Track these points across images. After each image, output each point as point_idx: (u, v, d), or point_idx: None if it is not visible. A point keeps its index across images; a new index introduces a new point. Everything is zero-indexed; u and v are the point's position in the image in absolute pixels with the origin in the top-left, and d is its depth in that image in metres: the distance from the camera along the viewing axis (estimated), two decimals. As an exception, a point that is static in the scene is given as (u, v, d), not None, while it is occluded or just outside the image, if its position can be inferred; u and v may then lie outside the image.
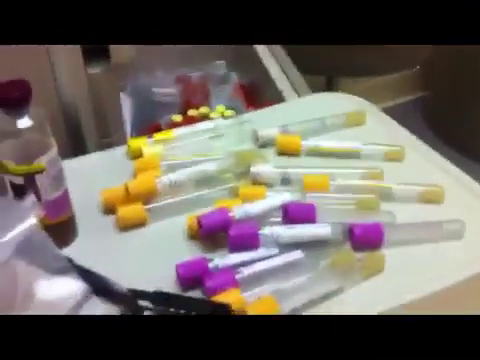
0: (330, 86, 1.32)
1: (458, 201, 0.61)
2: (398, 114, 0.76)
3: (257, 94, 1.12)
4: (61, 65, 0.72)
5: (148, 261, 0.57)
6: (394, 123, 0.74)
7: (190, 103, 1.10)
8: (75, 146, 0.80)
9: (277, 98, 0.94)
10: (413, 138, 0.71)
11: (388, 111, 0.77)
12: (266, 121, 0.74)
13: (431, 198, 0.61)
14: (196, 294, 0.52)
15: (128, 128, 1.03)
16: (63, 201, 0.58)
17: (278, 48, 1.08)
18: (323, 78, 1.35)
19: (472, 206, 0.61)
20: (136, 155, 0.69)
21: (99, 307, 0.48)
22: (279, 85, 0.99)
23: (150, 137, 0.71)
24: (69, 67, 0.73)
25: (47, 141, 0.54)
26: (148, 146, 0.69)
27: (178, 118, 1.02)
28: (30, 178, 0.54)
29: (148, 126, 1.01)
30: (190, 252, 0.57)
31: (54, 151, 0.55)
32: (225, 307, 0.46)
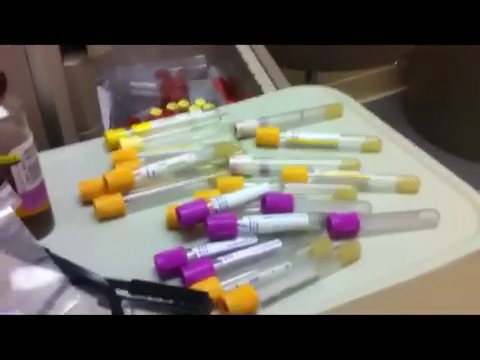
0: (309, 81, 1.33)
1: (433, 191, 0.62)
2: (377, 109, 0.77)
3: (236, 88, 1.12)
4: (37, 57, 0.72)
5: (127, 252, 0.57)
6: (371, 115, 0.75)
7: (169, 97, 1.10)
8: (52, 140, 0.79)
9: (256, 92, 0.94)
10: (390, 129, 0.72)
11: (367, 106, 0.77)
12: (245, 113, 0.74)
13: (407, 188, 0.62)
14: (175, 284, 0.52)
15: (107, 122, 1.02)
16: (39, 192, 0.57)
17: (258, 42, 1.08)
18: (302, 73, 1.36)
19: (447, 196, 0.62)
20: (114, 147, 0.69)
21: (76, 297, 0.48)
22: (258, 79, 0.99)
23: (128, 129, 0.71)
24: (45, 59, 0.72)
25: (23, 131, 0.54)
26: (126, 138, 0.69)
27: (157, 112, 1.02)
28: (5, 169, 0.53)
29: (127, 120, 1.00)
30: (169, 243, 0.57)
31: (30, 141, 0.54)
32: (202, 295, 0.46)
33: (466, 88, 1.62)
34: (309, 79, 1.33)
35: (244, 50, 1.07)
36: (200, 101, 1.05)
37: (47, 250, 0.50)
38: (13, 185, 0.54)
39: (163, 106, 1.06)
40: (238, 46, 1.07)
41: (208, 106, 1.00)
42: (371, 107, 0.77)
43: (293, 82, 0.96)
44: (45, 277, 0.49)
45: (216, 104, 1.01)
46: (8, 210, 0.49)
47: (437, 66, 1.69)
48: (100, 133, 0.78)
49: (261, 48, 1.08)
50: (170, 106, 1.05)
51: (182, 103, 1.06)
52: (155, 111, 1.02)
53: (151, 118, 0.96)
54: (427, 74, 1.75)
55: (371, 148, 0.68)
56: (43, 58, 0.73)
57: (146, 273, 0.53)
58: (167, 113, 1.00)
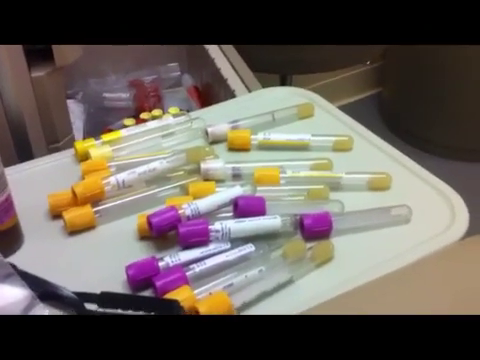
0: (284, 85, 1.33)
1: (405, 187, 0.62)
2: (352, 111, 0.76)
3: (211, 95, 1.12)
4: (3, 67, 0.70)
5: (98, 264, 0.55)
6: (342, 114, 0.75)
7: (143, 107, 1.10)
8: (22, 154, 0.78)
9: (231, 98, 0.94)
10: (361, 127, 0.72)
11: (343, 109, 0.76)
12: (216, 118, 0.74)
13: (379, 185, 0.62)
14: (148, 295, 0.51)
15: (81, 135, 1.01)
16: (6, 207, 0.56)
17: (230, 48, 1.08)
18: (277, 77, 1.36)
19: (419, 191, 0.62)
20: (83, 158, 0.68)
21: (45, 313, 0.46)
22: (231, 84, 0.99)
23: (98, 139, 0.70)
24: (12, 69, 0.71)
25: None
26: (96, 148, 0.68)
27: (130, 122, 1.01)
28: (-31, 183, 0.52)
29: (101, 132, 0.99)
30: (141, 253, 0.56)
31: (-7, 154, 0.53)
32: (173, 303, 0.45)
33: (440, 88, 1.63)
34: (284, 83, 1.33)
35: (217, 56, 1.06)
36: (174, 109, 1.04)
37: (14, 266, 0.49)
38: (-23, 200, 0.52)
39: (137, 116, 1.05)
40: (211, 52, 1.07)
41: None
42: (346, 109, 0.76)
43: (267, 87, 0.96)
44: (12, 294, 0.47)
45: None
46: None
47: (411, 66, 1.70)
48: (71, 145, 0.77)
49: (234, 53, 1.07)
50: (143, 115, 1.04)
51: (156, 112, 1.05)
52: (128, 121, 1.02)
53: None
54: (401, 75, 1.77)
55: (342, 147, 0.68)
56: (9, 68, 0.71)
57: (118, 285, 0.52)
58: (141, 122, 0.99)
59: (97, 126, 1.05)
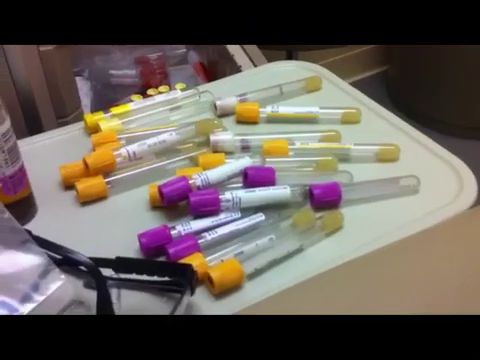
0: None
1: (413, 158, 0.63)
2: (359, 89, 0.76)
3: (217, 72, 1.12)
4: (12, 43, 0.71)
5: (111, 234, 0.56)
6: (349, 87, 0.75)
7: (150, 84, 1.10)
8: (32, 127, 0.79)
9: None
10: (368, 100, 0.72)
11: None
12: (224, 91, 0.74)
13: (387, 156, 0.63)
14: (160, 262, 0.52)
15: (88, 112, 1.02)
16: (20, 177, 0.57)
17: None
18: (283, 54, 1.36)
19: (427, 162, 0.62)
20: (93, 130, 0.68)
21: (61, 278, 0.47)
22: (238, 60, 0.99)
23: (107, 112, 0.71)
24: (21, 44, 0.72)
25: (-1, 114, 0.53)
26: (105, 121, 0.69)
27: (137, 98, 1.01)
28: (-17, 153, 0.53)
29: (108, 108, 1.00)
30: (153, 222, 0.57)
31: (7, 124, 0.54)
32: (187, 268, 0.46)
33: (447, 66, 1.63)
34: (290, 60, 1.33)
35: (222, 32, 1.06)
36: (180, 85, 1.04)
37: (29, 232, 0.50)
38: (-8, 170, 0.53)
39: (143, 93, 1.05)
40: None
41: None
42: (353, 87, 0.76)
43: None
44: (28, 260, 0.48)
45: (197, 88, 1.01)
46: (-13, 195, 0.49)
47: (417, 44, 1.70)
48: (80, 120, 0.78)
49: (239, 29, 1.07)
50: (150, 92, 1.04)
51: (162, 89, 1.05)
52: (135, 98, 1.02)
53: (132, 104, 0.96)
54: (407, 52, 1.76)
55: (350, 119, 0.69)
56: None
57: (131, 253, 0.53)
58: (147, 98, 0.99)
59: (104, 103, 1.06)
